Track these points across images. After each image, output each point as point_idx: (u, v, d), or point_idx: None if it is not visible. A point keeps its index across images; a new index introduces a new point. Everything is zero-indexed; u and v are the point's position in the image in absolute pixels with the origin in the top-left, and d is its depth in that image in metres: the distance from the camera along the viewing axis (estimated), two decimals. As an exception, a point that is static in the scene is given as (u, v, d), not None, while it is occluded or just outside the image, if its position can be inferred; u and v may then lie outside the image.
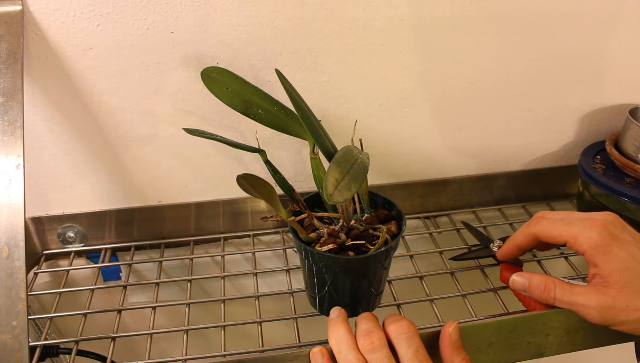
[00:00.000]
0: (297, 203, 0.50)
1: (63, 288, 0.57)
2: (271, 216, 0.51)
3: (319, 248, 0.46)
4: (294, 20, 0.53)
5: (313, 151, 0.49)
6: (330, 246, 0.46)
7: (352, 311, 0.49)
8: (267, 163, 0.50)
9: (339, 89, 0.58)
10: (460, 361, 0.40)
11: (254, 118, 0.49)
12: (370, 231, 0.49)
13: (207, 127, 0.57)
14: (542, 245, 0.51)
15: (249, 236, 0.66)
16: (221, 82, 0.49)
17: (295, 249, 0.58)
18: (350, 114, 0.60)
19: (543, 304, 0.50)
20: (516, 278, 0.48)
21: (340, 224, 0.48)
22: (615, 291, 0.41)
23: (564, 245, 0.47)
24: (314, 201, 0.52)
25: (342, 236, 0.48)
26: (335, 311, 0.44)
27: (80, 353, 0.53)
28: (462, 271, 0.59)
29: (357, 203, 0.51)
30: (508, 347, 0.47)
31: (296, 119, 0.49)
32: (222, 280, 0.58)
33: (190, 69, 0.54)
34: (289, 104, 0.47)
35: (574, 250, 0.45)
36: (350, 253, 0.47)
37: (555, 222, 0.46)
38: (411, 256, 0.61)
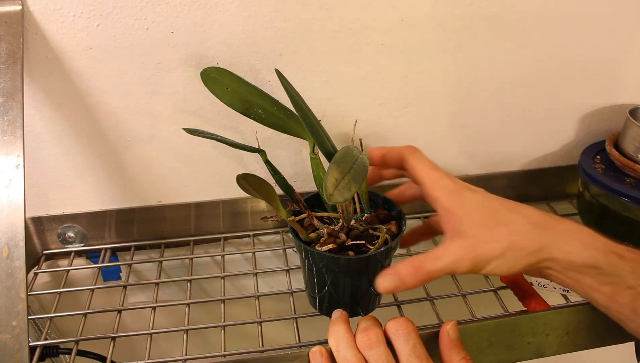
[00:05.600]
0: (297, 203, 0.50)
1: (63, 288, 0.57)
2: (271, 216, 0.51)
3: (319, 248, 0.46)
4: (294, 20, 0.53)
5: (313, 151, 0.49)
6: (330, 246, 0.46)
7: (352, 311, 0.49)
8: (267, 163, 0.50)
9: (339, 89, 0.58)
10: (459, 360, 0.40)
11: (254, 118, 0.49)
12: (370, 231, 0.49)
13: (207, 127, 0.57)
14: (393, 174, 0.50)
15: (249, 236, 0.66)
16: (221, 82, 0.49)
17: (295, 249, 0.58)
18: (350, 114, 0.60)
19: (543, 304, 0.50)
20: (384, 280, 0.41)
21: (340, 224, 0.48)
22: (474, 231, 0.40)
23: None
24: (314, 201, 0.52)
25: (342, 236, 0.48)
26: (337, 313, 0.44)
27: (80, 353, 0.53)
28: (462, 271, 0.59)
29: (357, 203, 0.51)
30: (508, 347, 0.46)
31: (296, 119, 0.49)
32: (222, 280, 0.58)
33: (190, 69, 0.54)
34: (289, 104, 0.46)
35: (426, 197, 0.44)
36: (350, 253, 0.47)
37: (426, 160, 0.46)
38: (411, 256, 0.61)
